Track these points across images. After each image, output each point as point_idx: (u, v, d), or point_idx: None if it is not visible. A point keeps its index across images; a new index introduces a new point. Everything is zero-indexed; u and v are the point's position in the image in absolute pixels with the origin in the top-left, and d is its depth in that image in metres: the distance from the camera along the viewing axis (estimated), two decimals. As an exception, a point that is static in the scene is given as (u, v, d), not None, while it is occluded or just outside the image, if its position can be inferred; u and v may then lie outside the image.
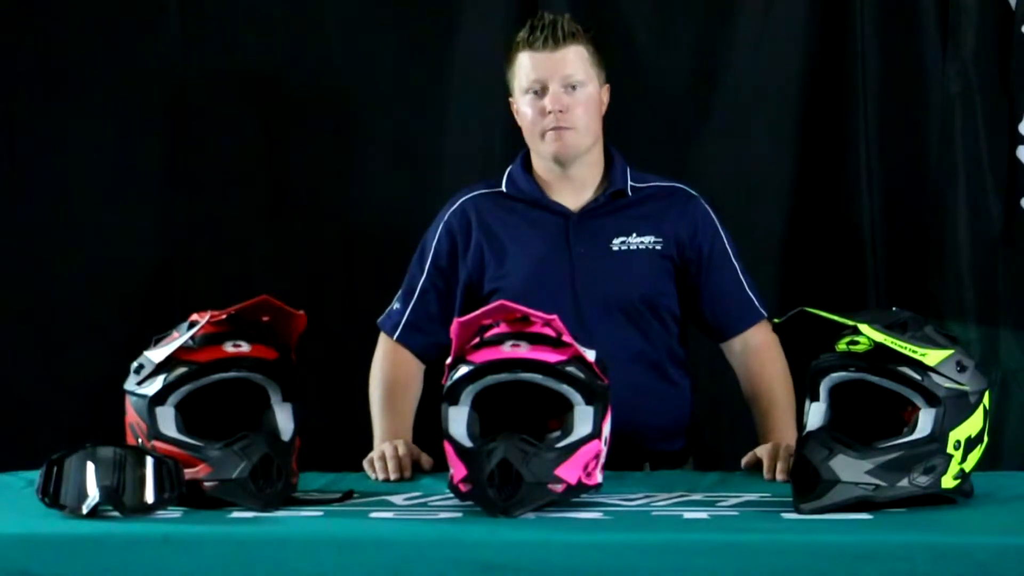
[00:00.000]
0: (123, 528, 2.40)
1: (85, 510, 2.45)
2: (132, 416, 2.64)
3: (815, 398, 2.57)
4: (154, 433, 2.59)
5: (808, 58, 3.74)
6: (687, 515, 2.49)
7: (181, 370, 2.59)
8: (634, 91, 3.64)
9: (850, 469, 2.45)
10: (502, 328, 2.59)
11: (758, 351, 3.16)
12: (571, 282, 3.11)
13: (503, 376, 2.53)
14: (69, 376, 3.79)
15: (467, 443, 2.52)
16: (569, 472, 2.50)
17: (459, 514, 2.51)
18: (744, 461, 2.93)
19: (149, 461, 2.48)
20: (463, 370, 2.54)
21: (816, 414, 2.56)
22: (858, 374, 2.52)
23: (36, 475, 2.50)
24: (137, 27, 3.80)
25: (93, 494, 2.45)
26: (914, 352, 2.48)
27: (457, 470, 2.52)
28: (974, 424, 2.52)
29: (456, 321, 2.55)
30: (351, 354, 3.35)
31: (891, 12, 3.71)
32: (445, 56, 3.78)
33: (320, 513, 2.54)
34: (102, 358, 3.67)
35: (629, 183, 3.17)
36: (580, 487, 2.52)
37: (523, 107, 3.13)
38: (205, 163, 3.82)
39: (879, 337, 2.47)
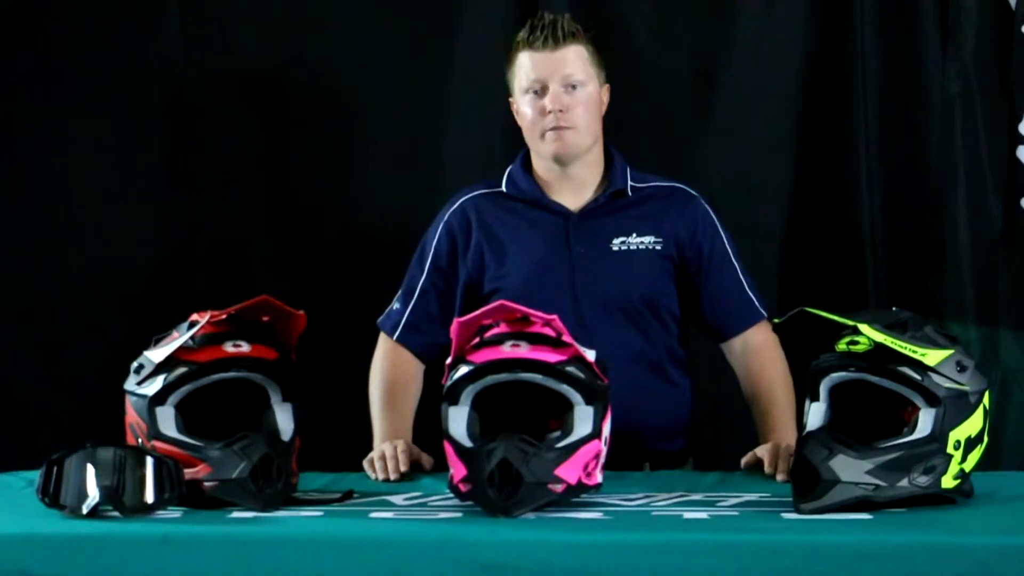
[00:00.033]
0: (123, 528, 2.41)
1: (85, 510, 2.45)
2: (132, 416, 2.64)
3: (815, 398, 2.57)
4: (154, 433, 2.59)
5: (808, 58, 3.74)
6: (687, 515, 2.49)
7: (181, 370, 2.59)
8: (634, 91, 3.64)
9: (850, 469, 2.45)
10: (502, 328, 2.59)
11: (758, 351, 3.16)
12: (571, 282, 3.11)
13: (503, 376, 2.53)
14: (69, 376, 3.79)
15: (467, 443, 2.52)
16: (569, 472, 2.50)
17: (459, 514, 2.51)
18: (744, 461, 2.93)
19: (149, 461, 2.49)
20: (463, 370, 2.54)
21: (816, 414, 2.56)
22: (858, 374, 2.52)
23: (36, 475, 2.50)
24: (137, 27, 3.80)
25: (93, 494, 2.45)
26: (914, 352, 2.48)
27: (457, 470, 2.52)
28: (974, 424, 2.52)
29: (456, 321, 2.55)
30: (351, 354, 3.35)
31: (891, 12, 3.71)
32: (445, 56, 3.78)
33: (320, 513, 2.54)
34: (102, 358, 3.68)
35: (629, 183, 3.17)
36: (580, 487, 2.52)
37: (523, 107, 3.13)
38: (205, 163, 3.82)
39: (879, 337, 2.47)
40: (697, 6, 3.77)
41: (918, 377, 2.48)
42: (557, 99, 3.07)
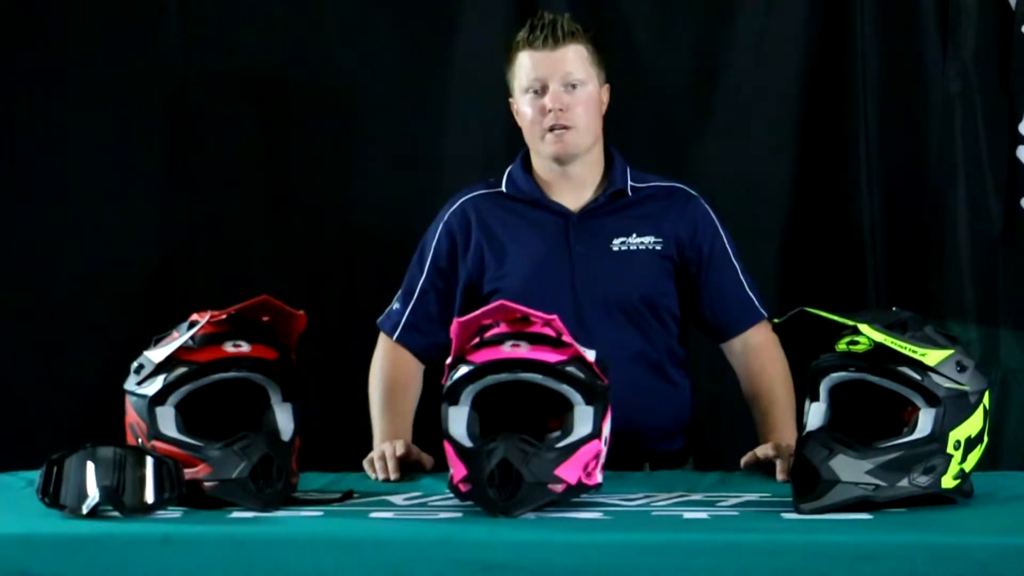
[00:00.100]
0: (123, 528, 2.40)
1: (85, 510, 2.44)
2: (132, 416, 2.63)
3: (815, 398, 2.57)
4: (154, 433, 2.59)
5: (808, 58, 3.74)
6: (687, 515, 2.49)
7: (181, 370, 2.59)
8: (634, 91, 3.64)
9: (850, 469, 2.45)
10: (502, 328, 2.59)
11: (758, 351, 3.16)
12: (571, 282, 3.11)
13: (503, 376, 2.52)
14: (69, 376, 3.79)
15: (467, 443, 2.52)
16: (569, 472, 2.50)
17: (459, 514, 2.51)
18: (744, 461, 2.93)
19: (149, 461, 2.48)
20: (463, 370, 2.54)
21: (816, 414, 2.56)
22: (858, 374, 2.52)
23: (36, 475, 2.50)
24: (137, 27, 3.80)
25: (93, 494, 2.45)
26: (914, 352, 2.48)
27: (457, 470, 2.52)
28: (974, 424, 2.52)
29: (456, 321, 2.55)
30: (351, 354, 3.35)
31: (891, 12, 3.71)
32: (445, 56, 3.78)
33: (320, 513, 2.54)
34: (102, 358, 3.68)
35: (629, 183, 3.17)
36: (580, 487, 2.52)
37: (523, 106, 3.13)
38: (205, 163, 3.82)
39: (879, 337, 2.47)
40: (697, 6, 3.77)
41: (918, 377, 2.48)
42: (557, 98, 3.07)
